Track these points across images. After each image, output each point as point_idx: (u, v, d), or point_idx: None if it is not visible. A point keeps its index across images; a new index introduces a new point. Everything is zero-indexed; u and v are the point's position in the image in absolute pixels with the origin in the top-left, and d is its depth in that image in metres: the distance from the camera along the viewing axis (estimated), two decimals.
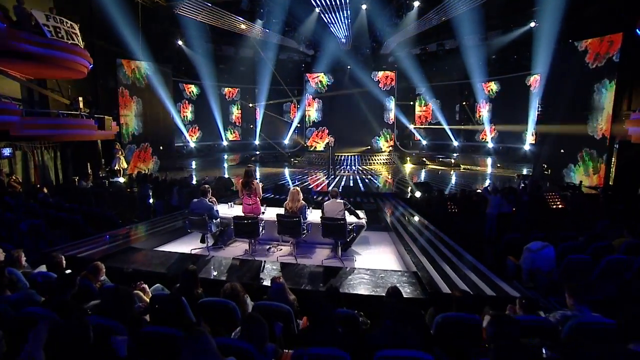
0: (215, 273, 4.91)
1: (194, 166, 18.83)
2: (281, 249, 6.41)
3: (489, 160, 19.28)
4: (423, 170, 17.75)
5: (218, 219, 6.19)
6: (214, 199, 6.36)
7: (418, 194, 9.18)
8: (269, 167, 18.57)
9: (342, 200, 5.79)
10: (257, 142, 24.17)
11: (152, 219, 7.86)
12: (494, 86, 19.27)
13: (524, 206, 8.56)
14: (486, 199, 8.38)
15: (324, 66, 20.17)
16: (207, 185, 6.20)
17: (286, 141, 24.41)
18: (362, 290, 4.37)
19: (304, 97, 22.60)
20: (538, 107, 13.72)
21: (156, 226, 7.09)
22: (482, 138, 20.41)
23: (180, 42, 17.66)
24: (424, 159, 19.40)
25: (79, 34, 9.63)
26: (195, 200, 6.05)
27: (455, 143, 21.49)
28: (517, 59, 16.47)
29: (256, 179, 6.20)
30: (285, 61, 21.42)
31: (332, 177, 13.89)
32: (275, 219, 5.89)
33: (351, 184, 12.56)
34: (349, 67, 20.55)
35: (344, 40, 17.42)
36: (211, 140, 22.90)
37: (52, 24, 8.40)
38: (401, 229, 7.19)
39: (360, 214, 6.27)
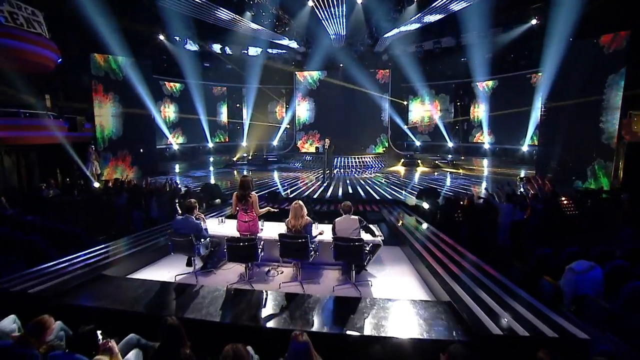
0: (205, 310, 3.94)
1: (177, 170, 17.62)
2: (282, 271, 5.49)
3: (485, 162, 18.79)
4: (416, 172, 17.02)
5: (207, 239, 5.21)
6: (202, 215, 5.38)
7: (426, 205, 8.39)
8: (258, 172, 17.53)
9: (357, 217, 4.91)
10: (244, 143, 23.02)
11: (129, 235, 6.79)
12: (490, 83, 18.72)
13: (537, 214, 7.87)
14: (495, 207, 7.69)
15: (316, 64, 19.26)
16: (193, 200, 5.20)
17: (275, 142, 23.40)
18: (395, 330, 3.50)
19: (294, 96, 21.62)
20: (541, 108, 13.18)
21: (133, 245, 6.04)
22: (478, 139, 19.93)
23: (161, 37, 16.44)
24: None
25: (43, 22, 8.43)
26: (179, 217, 5.06)
27: (450, 144, 20.95)
28: (516, 57, 15.98)
29: (253, 191, 5.23)
30: (275, 59, 20.39)
31: (328, 181, 13.00)
32: (276, 238, 4.98)
33: (350, 190, 11.68)
34: (341, 65, 19.72)
35: (337, 37, 16.56)
36: (196, 142, 21.66)
37: (7, 8, 7.21)
38: (414, 241, 6.38)
39: (376, 230, 5.40)
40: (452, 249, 5.99)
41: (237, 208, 5.16)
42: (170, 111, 20.14)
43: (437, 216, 8.43)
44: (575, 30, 10.86)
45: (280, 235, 4.78)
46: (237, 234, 5.26)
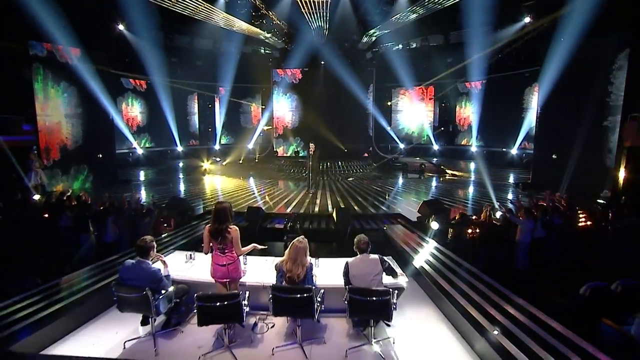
0: None
1: (142, 178, 15.69)
2: (273, 324, 4.14)
3: (472, 166, 18.18)
4: (400, 177, 16.02)
5: (170, 288, 3.78)
6: (161, 257, 3.94)
7: (435, 225, 7.28)
8: (231, 177, 15.93)
9: (377, 256, 3.66)
10: (217, 147, 21.30)
11: (68, 271, 5.18)
12: (479, 83, 18.11)
13: (555, 230, 6.96)
14: (515, 224, 6.72)
15: (296, 61, 17.91)
16: (148, 239, 3.69)
17: (250, 146, 21.81)
18: None
19: (271, 96, 20.12)
20: (538, 110, 12.52)
21: (71, 288, 4.47)
22: (465, 142, 19.34)
23: (121, 27, 14.50)
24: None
25: None
26: (129, 263, 3.59)
27: (436, 147, 20.26)
28: (508, 56, 15.34)
29: (233, 222, 3.84)
30: (250, 55, 18.80)
31: (314, 191, 11.68)
32: (265, 283, 3.67)
33: (341, 204, 10.35)
34: (322, 62, 18.45)
35: (320, 32, 15.30)
36: (163, 145, 19.70)
37: None
38: (429, 269, 5.27)
39: (396, 268, 4.19)
40: (477, 279, 4.90)
41: (211, 246, 3.77)
42: (135, 111, 18.14)
43: (447, 235, 7.36)
44: (580, 28, 10.15)
45: (273, 288, 3.43)
46: (211, 280, 3.88)
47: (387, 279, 3.85)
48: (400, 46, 17.16)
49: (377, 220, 8.65)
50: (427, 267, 5.49)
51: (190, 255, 4.70)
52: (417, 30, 15.63)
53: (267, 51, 18.99)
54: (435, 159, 19.50)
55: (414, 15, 13.15)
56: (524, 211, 6.75)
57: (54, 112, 12.00)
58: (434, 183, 14.50)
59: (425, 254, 6.18)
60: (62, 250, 7.11)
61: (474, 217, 7.48)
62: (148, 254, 3.59)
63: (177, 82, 19.06)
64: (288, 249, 3.69)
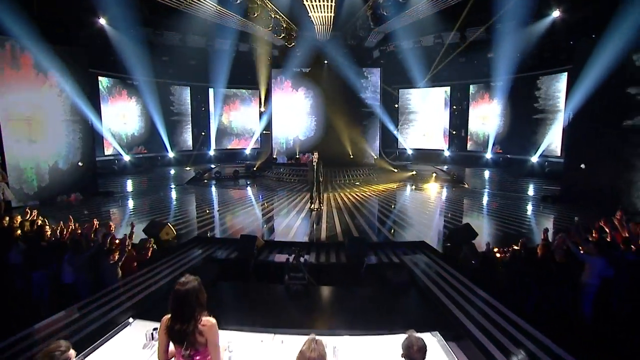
0: None
1: (129, 188, 14.21)
2: None
3: (486, 174, 16.77)
4: (409, 188, 14.56)
5: None
6: None
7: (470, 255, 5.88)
8: (227, 188, 14.50)
9: None
10: (212, 152, 19.82)
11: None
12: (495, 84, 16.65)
13: (627, 269, 5.51)
14: (582, 262, 5.29)
15: (297, 60, 16.46)
16: (62, 346, 2.24)
17: (247, 151, 20.35)
18: None
19: (270, 97, 18.63)
20: (569, 114, 11.13)
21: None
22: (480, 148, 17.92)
23: (102, 21, 13.04)
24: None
25: None
26: None
27: (447, 153, 18.84)
28: (531, 55, 13.93)
29: (206, 314, 2.37)
30: (246, 54, 17.31)
31: (318, 209, 10.21)
32: None
33: (351, 226, 8.60)
34: (326, 62, 17.03)
35: (323, 28, 13.84)
36: (154, 151, 18.21)
37: None
38: (469, 323, 3.91)
39: None
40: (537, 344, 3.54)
41: (169, 351, 2.33)
42: (122, 114, 16.65)
43: (481, 272, 5.93)
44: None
45: None
46: None
47: None
48: (412, 44, 15.71)
49: (395, 248, 7.20)
50: (455, 310, 4.10)
51: (153, 333, 3.23)
52: (431, 27, 14.21)
53: (265, 50, 17.49)
54: (445, 166, 18.10)
55: (431, 8, 11.75)
56: (594, 245, 5.34)
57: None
58: (447, 194, 13.11)
59: (463, 301, 4.78)
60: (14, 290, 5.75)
61: (515, 249, 6.02)
62: None
63: (168, 81, 17.65)
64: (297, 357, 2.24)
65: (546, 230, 6.05)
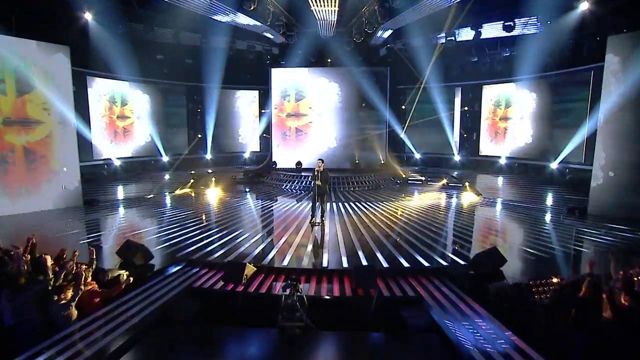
0: None
1: (120, 195, 13.20)
2: None
3: (499, 181, 15.65)
4: (416, 195, 13.35)
5: None
6: None
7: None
8: (222, 195, 13.45)
9: None
10: (209, 156, 18.84)
11: None
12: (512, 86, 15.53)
13: None
14: None
15: (297, 58, 15.45)
16: None
17: (246, 155, 19.35)
18: None
19: (269, 98, 17.58)
20: (600, 118, 9.99)
21: None
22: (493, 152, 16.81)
23: (88, 16, 12.08)
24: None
25: None
26: None
27: (458, 157, 17.74)
28: (558, 54, 12.80)
29: None
30: (244, 52, 16.29)
31: (320, 222, 9.15)
32: None
33: (357, 246, 7.39)
34: (329, 60, 16.00)
35: (327, 22, 12.80)
36: (146, 154, 17.25)
37: None
38: None
39: None
40: None
41: None
42: (112, 115, 15.70)
43: (516, 314, 4.86)
44: None
45: None
46: None
47: None
48: (422, 41, 14.62)
49: (409, 275, 6.11)
50: None
51: None
52: (443, 23, 13.12)
53: (263, 48, 16.49)
54: (455, 172, 17.00)
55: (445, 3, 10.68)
56: None
57: None
58: (457, 205, 11.97)
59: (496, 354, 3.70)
60: None
61: (554, 280, 4.93)
62: None
63: (158, 81, 16.72)
64: None
65: (592, 263, 4.95)
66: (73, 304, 4.45)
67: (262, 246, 7.55)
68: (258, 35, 15.26)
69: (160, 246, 7.41)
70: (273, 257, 6.93)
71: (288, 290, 4.62)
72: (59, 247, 5.50)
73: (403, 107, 18.49)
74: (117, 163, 15.78)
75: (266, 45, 16.48)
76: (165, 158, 17.46)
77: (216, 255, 6.90)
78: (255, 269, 5.95)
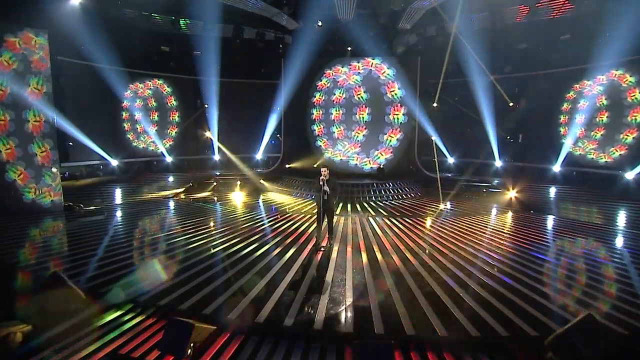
0: None
1: (116, 199, 11.80)
2: None
3: (552, 191, 13.01)
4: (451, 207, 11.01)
5: None
6: None
7: None
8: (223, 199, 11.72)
9: None
10: (216, 157, 17.31)
11: None
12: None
13: None
14: None
15: (313, 47, 13.52)
16: None
17: (258, 156, 17.63)
18: None
19: (282, 91, 15.75)
20: None
21: None
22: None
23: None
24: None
25: None
26: None
27: (499, 163, 15.15)
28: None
29: None
30: (253, 42, 14.53)
31: (325, 247, 7.12)
32: None
33: (375, 295, 4.85)
34: (349, 48, 14.00)
35: (346, 5, 10.81)
36: (147, 154, 15.92)
37: None
38: None
39: None
40: None
41: None
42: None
43: None
44: None
45: None
46: None
47: None
48: (459, 25, 12.21)
49: (450, 347, 3.92)
50: None
51: None
52: (484, 3, 10.75)
53: (275, 36, 14.63)
54: (496, 180, 14.49)
55: None
56: None
57: None
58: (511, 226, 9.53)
59: None
60: None
61: None
62: None
63: (161, 74, 15.37)
64: None
65: None
66: None
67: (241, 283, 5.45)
68: (269, 22, 13.45)
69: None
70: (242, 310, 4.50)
71: None
72: None
73: (435, 104, 16.04)
74: (114, 163, 14.51)
75: (279, 33, 14.60)
76: (169, 159, 16.12)
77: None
78: (214, 327, 3.97)
